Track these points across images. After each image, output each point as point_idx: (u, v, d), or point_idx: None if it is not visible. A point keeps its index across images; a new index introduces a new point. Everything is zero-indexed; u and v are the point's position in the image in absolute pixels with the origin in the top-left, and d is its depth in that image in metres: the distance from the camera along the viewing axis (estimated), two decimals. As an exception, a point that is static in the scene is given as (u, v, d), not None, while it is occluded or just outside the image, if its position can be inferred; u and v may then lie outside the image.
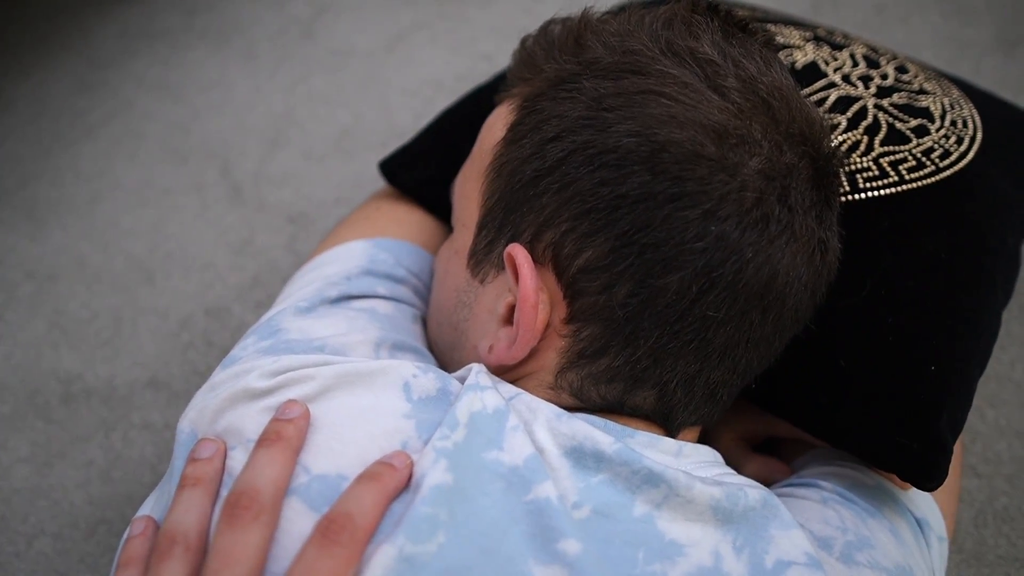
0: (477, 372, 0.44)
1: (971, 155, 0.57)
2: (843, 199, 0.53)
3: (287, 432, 0.41)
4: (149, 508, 0.46)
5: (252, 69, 0.96)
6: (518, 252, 0.44)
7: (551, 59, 0.48)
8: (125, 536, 0.43)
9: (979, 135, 0.59)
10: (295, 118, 0.92)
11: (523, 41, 0.51)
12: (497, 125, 0.49)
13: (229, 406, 0.44)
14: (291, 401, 0.42)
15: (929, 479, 0.48)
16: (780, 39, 0.62)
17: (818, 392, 0.51)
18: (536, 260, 0.44)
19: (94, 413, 0.72)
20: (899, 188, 0.54)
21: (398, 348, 0.50)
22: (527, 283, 0.43)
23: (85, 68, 0.97)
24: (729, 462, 0.52)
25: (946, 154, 0.56)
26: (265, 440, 0.41)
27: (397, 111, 0.92)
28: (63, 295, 0.79)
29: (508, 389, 0.44)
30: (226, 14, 1.01)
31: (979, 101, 0.62)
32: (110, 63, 0.97)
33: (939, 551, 0.51)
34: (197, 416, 0.44)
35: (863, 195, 0.53)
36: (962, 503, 0.65)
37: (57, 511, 0.67)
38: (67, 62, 0.97)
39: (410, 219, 0.63)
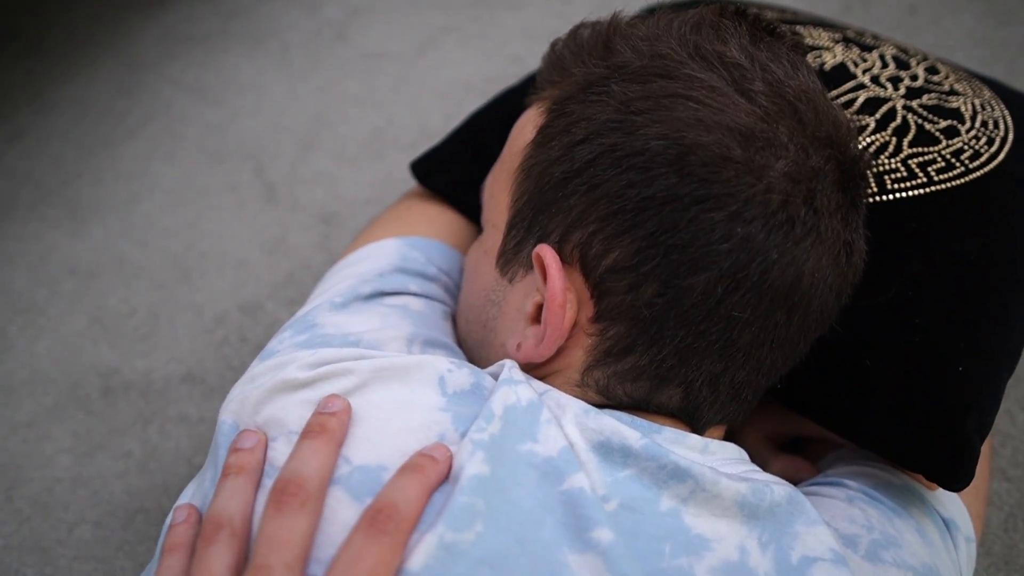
0: (510, 367, 0.45)
1: (1002, 156, 0.56)
2: (871, 200, 0.53)
3: (331, 425, 0.42)
4: (188, 498, 0.47)
5: (286, 72, 0.98)
6: (546, 252, 0.44)
7: (580, 63, 0.48)
8: (168, 523, 0.45)
9: (1011, 136, 0.58)
10: (328, 120, 0.93)
11: (553, 45, 0.52)
12: (527, 127, 0.50)
13: (269, 397, 0.45)
14: (333, 395, 0.43)
15: (956, 479, 0.48)
16: (809, 40, 0.62)
17: (845, 392, 0.51)
18: (564, 260, 0.45)
19: (132, 406, 0.74)
20: (928, 189, 0.54)
21: (430, 344, 0.51)
22: (555, 283, 0.44)
23: (125, 71, 0.99)
24: (755, 461, 0.53)
25: (976, 155, 0.56)
26: (309, 432, 0.42)
27: (428, 113, 0.93)
28: (103, 291, 0.81)
29: (538, 385, 0.45)
30: (261, 18, 1.04)
31: (1012, 102, 0.62)
32: (149, 66, 1.00)
33: (966, 552, 0.51)
34: (239, 407, 0.46)
35: (891, 196, 0.54)
36: (992, 506, 0.65)
37: (97, 500, 0.69)
38: (108, 65, 1.00)
39: (441, 219, 0.64)
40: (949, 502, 0.51)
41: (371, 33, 1.01)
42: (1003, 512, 0.64)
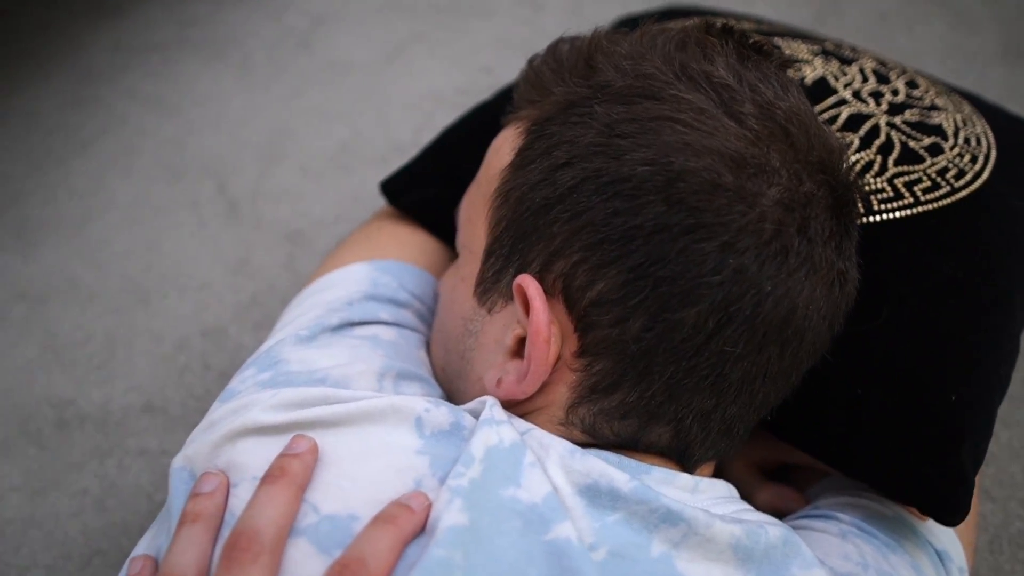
0: (491, 406, 0.42)
1: (986, 174, 0.55)
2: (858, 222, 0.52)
3: (292, 468, 0.39)
4: (145, 545, 0.45)
5: (248, 82, 0.95)
6: (529, 284, 0.42)
7: (561, 81, 0.46)
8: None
9: (993, 153, 0.57)
10: (292, 132, 0.90)
11: (530, 61, 0.49)
12: (504, 149, 0.48)
13: (230, 442, 0.42)
14: (299, 435, 0.41)
15: (951, 514, 0.46)
16: (788, 52, 0.61)
17: (834, 422, 0.49)
18: (546, 291, 0.43)
19: (88, 439, 0.70)
20: (914, 210, 0.52)
21: (402, 377, 0.48)
22: (539, 317, 0.42)
23: (77, 83, 0.95)
24: (742, 490, 0.51)
25: (961, 174, 0.55)
26: (269, 477, 0.39)
27: (396, 125, 0.90)
28: (55, 317, 0.77)
29: (520, 424, 0.43)
30: (221, 26, 1.00)
31: (991, 116, 0.61)
32: (103, 77, 0.95)
33: (959, 583, 0.50)
34: (194, 453, 0.43)
35: (879, 218, 0.52)
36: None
37: (50, 542, 0.65)
38: (59, 77, 0.95)
39: (412, 240, 0.61)
40: (942, 532, 0.50)
41: (336, 41, 0.98)
42: (988, 533, 0.63)
